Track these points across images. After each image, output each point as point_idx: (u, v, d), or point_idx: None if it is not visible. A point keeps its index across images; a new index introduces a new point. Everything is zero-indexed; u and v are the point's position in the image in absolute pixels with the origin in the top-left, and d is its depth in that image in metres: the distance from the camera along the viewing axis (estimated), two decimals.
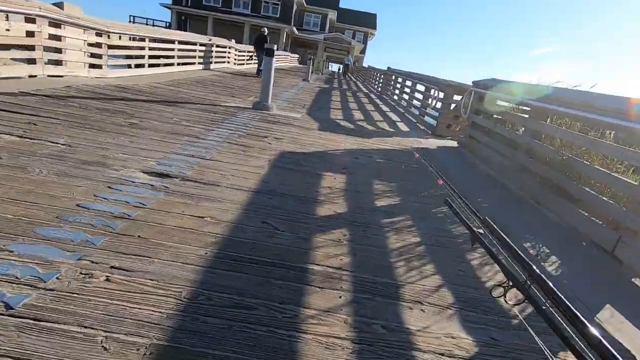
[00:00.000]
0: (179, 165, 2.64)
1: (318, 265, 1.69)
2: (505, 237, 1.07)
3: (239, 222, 1.97)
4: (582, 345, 0.64)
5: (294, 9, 36.65)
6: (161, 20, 40.29)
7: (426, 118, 7.92)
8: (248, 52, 16.18)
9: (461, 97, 6.39)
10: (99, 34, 6.18)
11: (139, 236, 1.67)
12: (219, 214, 2.02)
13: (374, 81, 17.90)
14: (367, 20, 41.87)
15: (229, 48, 13.52)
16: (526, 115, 3.74)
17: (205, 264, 1.54)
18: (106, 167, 2.38)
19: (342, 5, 40.04)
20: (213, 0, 37.66)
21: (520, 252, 0.96)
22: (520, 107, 3.90)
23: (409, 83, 9.78)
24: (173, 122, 3.89)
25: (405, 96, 10.09)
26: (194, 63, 10.56)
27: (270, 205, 2.24)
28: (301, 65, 28.35)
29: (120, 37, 6.73)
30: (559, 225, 2.82)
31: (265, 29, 13.05)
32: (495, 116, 4.45)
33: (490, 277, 1.84)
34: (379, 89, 15.35)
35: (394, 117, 8.09)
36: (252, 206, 2.19)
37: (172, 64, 9.18)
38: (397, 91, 11.52)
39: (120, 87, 5.58)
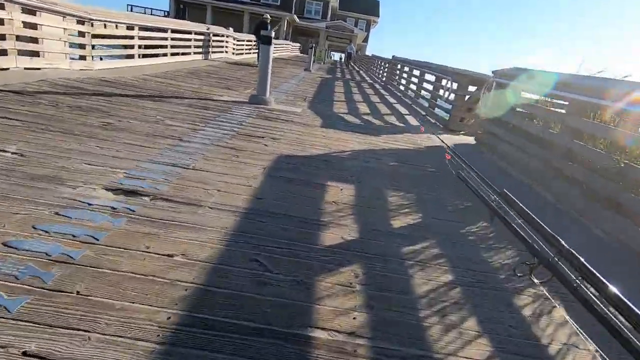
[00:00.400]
0: (154, 178, 2.18)
1: (323, 329, 1.24)
2: (528, 211, 0.84)
3: (220, 261, 1.51)
4: (623, 326, 0.55)
5: None
6: (160, 10, 39.54)
7: (436, 110, 7.39)
8: (247, 41, 15.56)
9: (476, 88, 5.87)
10: (81, 22, 5.66)
11: (78, 293, 1.22)
12: (195, 249, 1.56)
13: (378, 71, 17.27)
14: (369, 8, 40.81)
15: (227, 37, 12.93)
16: (563, 111, 3.24)
17: (165, 339, 1.09)
18: (60, 184, 1.92)
19: None
20: None
21: (545, 227, 0.69)
22: (555, 100, 3.39)
23: (416, 72, 9.21)
24: (156, 120, 3.42)
25: (413, 86, 9.53)
26: (189, 53, 10.01)
27: (263, 232, 1.78)
28: (302, 55, 27.60)
29: (106, 26, 6.20)
30: (608, 244, 2.35)
31: (268, 16, 12.45)
32: (521, 110, 3.94)
33: (551, 335, 1.38)
34: (384, 79, 14.75)
35: (402, 109, 7.56)
36: (240, 236, 1.73)
37: (165, 54, 8.64)
38: (403, 81, 10.94)
39: (104, 80, 5.10)
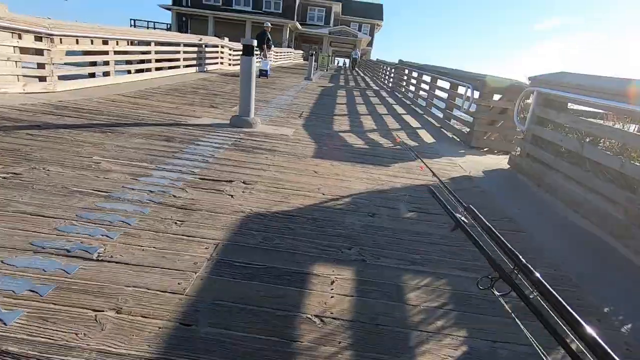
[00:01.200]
0: (11, 292, 1.30)
1: None
2: (491, 227, 0.88)
3: None
4: (573, 338, 0.57)
5: (297, 3, 35.24)
6: (162, 22, 39.57)
7: (452, 122, 6.45)
8: None
9: (501, 97, 4.93)
10: (38, 38, 4.91)
11: None
12: None
13: (383, 76, 16.40)
14: (373, 12, 40.21)
15: (222, 47, 12.20)
16: None
17: None
18: None
19: None
20: None
21: (505, 242, 0.81)
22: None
23: (427, 78, 8.29)
24: (88, 164, 2.56)
25: (423, 93, 8.60)
26: (178, 67, 9.27)
27: None
28: (306, 62, 26.92)
29: (62, 40, 5.43)
30: None
31: (269, 24, 11.73)
32: (577, 129, 2.98)
33: None
34: (390, 85, 13.86)
35: (414, 122, 6.63)
36: None
37: (149, 70, 7.90)
38: (412, 87, 10.02)
39: (59, 105, 4.30)
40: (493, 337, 1.37)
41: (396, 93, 11.82)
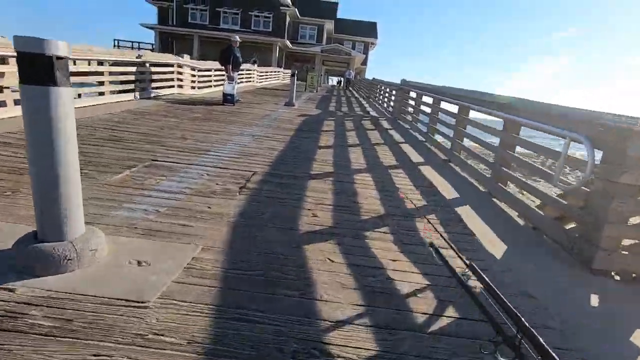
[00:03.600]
0: None
1: None
2: (494, 287, 0.82)
3: None
4: None
5: (287, 21, 33.46)
6: (147, 43, 37.54)
7: (509, 187, 3.85)
8: (216, 70, 12.41)
9: None
10: None
11: None
12: None
13: (382, 99, 13.99)
14: (367, 30, 38.64)
15: (179, 67, 9.69)
16: None
17: None
18: None
19: (340, 15, 36.87)
20: (200, 17, 34.97)
21: (508, 304, 0.75)
22: None
23: (451, 108, 5.74)
24: None
25: (447, 130, 6.04)
26: (102, 93, 6.70)
27: None
28: (298, 82, 24.61)
29: None
30: None
31: (237, 37, 9.27)
32: None
33: None
34: (390, 110, 11.39)
35: (444, 184, 3.98)
36: None
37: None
38: (424, 117, 7.49)
39: None
40: None
41: (400, 122, 9.30)
